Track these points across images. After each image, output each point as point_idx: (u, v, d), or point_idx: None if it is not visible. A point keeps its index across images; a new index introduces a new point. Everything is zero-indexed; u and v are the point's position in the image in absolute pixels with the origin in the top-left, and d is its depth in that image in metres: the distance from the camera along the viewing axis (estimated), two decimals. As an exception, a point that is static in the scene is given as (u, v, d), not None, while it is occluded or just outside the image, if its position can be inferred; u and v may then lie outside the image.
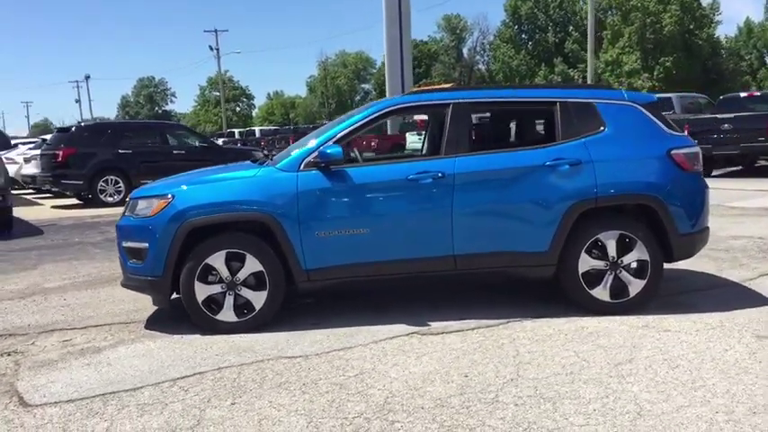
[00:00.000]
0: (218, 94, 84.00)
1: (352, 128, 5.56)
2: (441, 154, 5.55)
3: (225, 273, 5.33)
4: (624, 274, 5.49)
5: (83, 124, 20.29)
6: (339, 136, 5.50)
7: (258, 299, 5.36)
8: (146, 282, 5.46)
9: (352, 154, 6.18)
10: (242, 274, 5.34)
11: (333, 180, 5.37)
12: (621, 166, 5.48)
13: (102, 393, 4.21)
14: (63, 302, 6.61)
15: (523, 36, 77.35)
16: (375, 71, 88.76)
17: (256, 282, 5.36)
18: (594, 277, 5.50)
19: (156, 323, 5.71)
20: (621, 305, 5.49)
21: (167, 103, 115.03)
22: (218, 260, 5.32)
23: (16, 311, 6.36)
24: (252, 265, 5.33)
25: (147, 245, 5.41)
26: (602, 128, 5.58)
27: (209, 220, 5.32)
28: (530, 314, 5.53)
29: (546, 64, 71.60)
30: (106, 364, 4.78)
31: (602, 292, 5.48)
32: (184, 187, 5.50)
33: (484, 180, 5.44)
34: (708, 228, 5.81)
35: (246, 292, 5.36)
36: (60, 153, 16.54)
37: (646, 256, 5.48)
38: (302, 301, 6.08)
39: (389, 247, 5.41)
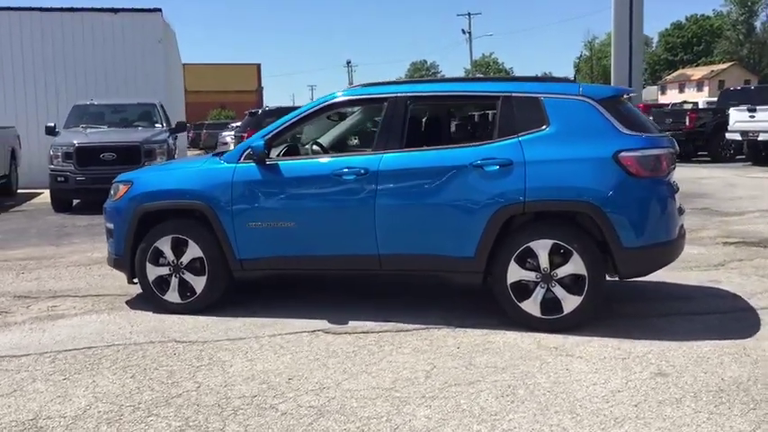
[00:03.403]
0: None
1: (286, 125, 5.61)
2: (372, 150, 5.42)
3: (171, 256, 5.71)
4: (558, 289, 4.97)
5: (267, 108, 21.96)
6: (273, 132, 5.58)
7: (198, 283, 5.67)
8: (112, 260, 6.02)
9: (314, 147, 6.20)
10: (185, 259, 5.68)
11: (265, 173, 5.48)
12: (556, 168, 4.94)
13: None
14: (88, 273, 7.43)
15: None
16: (650, 49, 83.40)
17: (198, 267, 5.67)
18: (525, 289, 5.05)
19: (140, 299, 6.22)
20: (552, 322, 4.98)
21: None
22: (165, 244, 5.70)
23: (48, 277, 7.29)
24: (193, 251, 5.65)
25: (113, 226, 5.96)
26: (544, 126, 5.06)
27: (156, 206, 5.73)
28: (457, 323, 5.23)
29: None
30: (41, 330, 5.39)
31: (531, 306, 5.02)
32: (143, 175, 5.95)
33: (407, 179, 5.22)
34: (673, 241, 5.03)
35: (189, 276, 5.69)
36: (244, 136, 18.08)
37: (582, 270, 4.91)
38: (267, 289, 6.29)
39: (316, 243, 5.42)
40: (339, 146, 6.44)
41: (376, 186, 5.22)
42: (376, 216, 5.22)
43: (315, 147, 6.19)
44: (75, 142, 12.67)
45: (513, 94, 5.18)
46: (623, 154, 4.86)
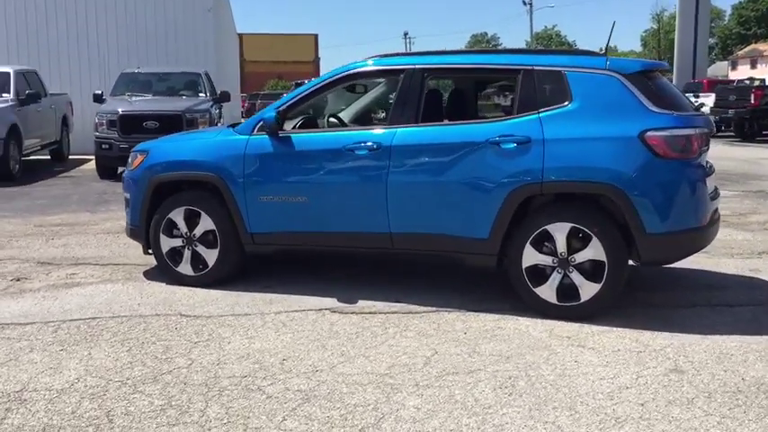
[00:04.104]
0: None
1: (299, 96, 5.44)
2: (387, 124, 5.21)
3: (184, 228, 5.63)
4: (575, 275, 4.70)
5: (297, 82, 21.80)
6: (287, 104, 5.41)
7: (211, 256, 5.58)
8: (129, 229, 5.98)
9: (332, 120, 6.01)
10: (198, 231, 5.60)
11: (277, 146, 5.34)
12: (577, 147, 4.65)
13: (3, 323, 4.80)
14: (114, 241, 7.43)
15: None
16: (723, 23, 79.79)
17: (210, 240, 5.58)
18: (541, 274, 4.80)
19: (156, 269, 6.18)
20: (569, 309, 4.73)
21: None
22: (178, 216, 5.63)
23: (75, 244, 7.33)
24: (205, 223, 5.56)
25: (129, 195, 5.91)
26: (566, 101, 4.76)
27: (170, 177, 5.65)
28: (470, 306, 5.02)
29: None
30: (53, 298, 5.39)
31: (547, 292, 4.77)
32: (159, 145, 5.87)
33: (421, 155, 5.00)
34: (702, 228, 4.70)
35: (201, 249, 5.61)
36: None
37: (602, 256, 4.63)
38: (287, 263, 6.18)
39: (327, 219, 5.27)
40: (358, 119, 6.24)
41: (389, 162, 5.02)
42: (388, 193, 5.03)
43: (332, 119, 6.01)
44: (119, 110, 12.78)
45: (535, 68, 4.89)
46: (650, 133, 4.53)
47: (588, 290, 4.68)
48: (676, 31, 32.12)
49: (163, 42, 18.27)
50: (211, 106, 13.55)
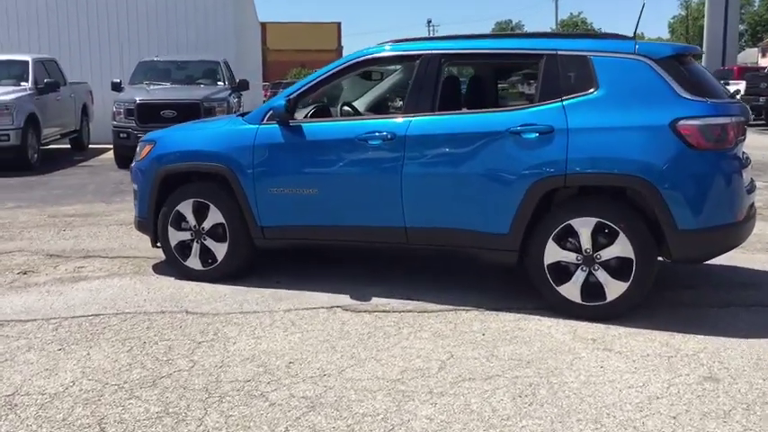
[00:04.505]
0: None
1: (310, 84, 5.19)
2: (402, 113, 4.95)
3: (192, 221, 5.43)
4: (600, 273, 4.43)
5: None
6: (298, 92, 5.17)
7: (220, 250, 5.38)
8: (137, 222, 5.79)
9: (345, 109, 5.76)
10: (207, 224, 5.39)
11: (287, 135, 5.11)
12: (603, 137, 4.36)
13: (3, 320, 4.63)
14: (126, 233, 7.26)
15: None
16: (752, 9, 78.00)
17: (219, 233, 5.37)
18: (564, 272, 4.53)
19: (166, 263, 5.98)
20: (593, 309, 4.46)
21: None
22: (186, 208, 5.42)
23: (86, 235, 7.17)
24: (214, 216, 5.36)
25: (137, 186, 5.72)
26: (592, 88, 4.47)
27: (178, 167, 5.45)
28: (488, 305, 4.76)
29: None
30: (57, 293, 5.22)
31: (571, 291, 4.50)
32: (166, 135, 5.66)
33: (437, 145, 4.74)
34: (737, 224, 4.40)
35: (210, 243, 5.40)
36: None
37: (629, 253, 4.34)
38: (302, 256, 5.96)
39: (339, 212, 5.03)
40: (373, 108, 5.98)
41: (403, 153, 4.77)
42: (403, 185, 4.78)
43: (346, 108, 5.76)
44: (136, 99, 12.64)
45: (559, 52, 4.60)
46: (682, 122, 4.23)
47: (614, 289, 4.40)
48: (706, 17, 31.36)
49: (183, 30, 18.10)
50: (230, 95, 13.36)
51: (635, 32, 4.79)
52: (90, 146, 15.94)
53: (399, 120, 4.86)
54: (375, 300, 4.92)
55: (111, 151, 13.65)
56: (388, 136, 4.79)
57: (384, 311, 4.70)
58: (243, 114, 5.64)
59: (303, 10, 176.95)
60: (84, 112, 15.80)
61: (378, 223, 4.94)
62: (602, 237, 4.40)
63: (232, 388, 3.56)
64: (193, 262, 5.45)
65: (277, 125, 5.12)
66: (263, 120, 5.21)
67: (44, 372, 3.78)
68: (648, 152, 4.26)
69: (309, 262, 5.91)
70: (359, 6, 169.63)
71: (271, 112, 5.13)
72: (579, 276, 4.47)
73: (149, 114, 12.38)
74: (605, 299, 4.43)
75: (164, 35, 18.04)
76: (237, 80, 14.45)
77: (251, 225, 5.25)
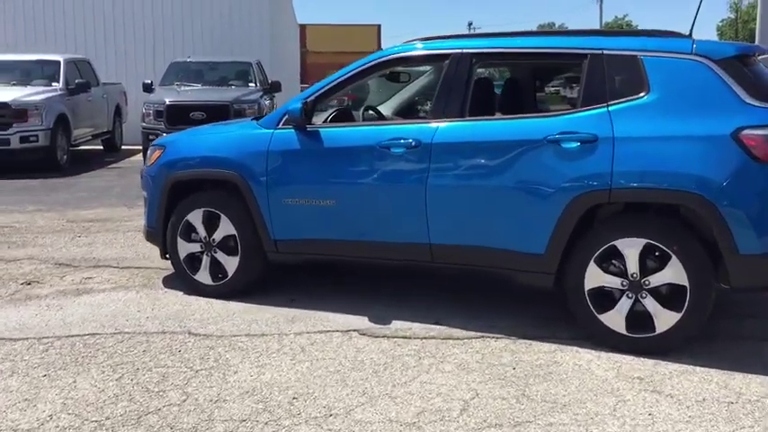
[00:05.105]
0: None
1: (330, 86, 4.76)
2: (428, 118, 4.50)
3: (202, 232, 5.05)
4: (649, 301, 3.91)
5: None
6: (316, 94, 4.75)
7: (231, 264, 4.99)
8: (146, 232, 5.43)
9: (370, 113, 5.32)
10: (217, 236, 5.00)
11: (303, 141, 4.69)
12: (655, 147, 3.85)
13: (-7, 338, 4.29)
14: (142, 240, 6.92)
15: None
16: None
17: (231, 246, 4.98)
18: (607, 298, 4.02)
19: (176, 276, 5.61)
20: (640, 342, 3.94)
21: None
22: (197, 218, 5.05)
23: (101, 242, 6.84)
24: (226, 227, 4.96)
25: (146, 194, 5.36)
26: (642, 92, 3.96)
27: (187, 174, 5.07)
28: (521, 333, 4.28)
29: None
30: (57, 307, 4.87)
31: (614, 320, 3.99)
32: (177, 139, 5.29)
33: (467, 154, 4.28)
34: (809, 250, 3.84)
35: (221, 256, 5.01)
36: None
37: (683, 280, 3.82)
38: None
39: (358, 226, 4.60)
40: (399, 113, 5.54)
41: (429, 162, 4.31)
42: (428, 198, 4.32)
43: (369, 113, 5.32)
44: (166, 100, 12.39)
45: (605, 52, 4.10)
46: (747, 132, 3.70)
47: (665, 319, 3.88)
48: (758, 20, 30.23)
49: (219, 31, 17.88)
50: (261, 96, 13.05)
51: (691, 31, 4.27)
52: (123, 147, 15.78)
53: (425, 126, 4.41)
54: (395, 323, 4.47)
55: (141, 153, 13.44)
56: (413, 143, 4.34)
57: (404, 337, 4.24)
58: (258, 118, 5.24)
59: (343, 13, 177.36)
60: (118, 113, 15.64)
61: (400, 239, 4.49)
62: (652, 260, 3.89)
63: (225, 429, 3.14)
64: (203, 276, 5.07)
65: (293, 130, 4.71)
66: (278, 124, 4.81)
67: (22, 402, 3.41)
68: (707, 165, 3.74)
69: (328, 277, 5.49)
70: (399, 9, 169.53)
71: (286, 116, 4.72)
72: (624, 304, 3.96)
73: (178, 116, 12.11)
74: (654, 330, 3.91)
75: (198, 36, 17.86)
76: (270, 81, 14.15)
77: (264, 238, 4.84)
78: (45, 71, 13.37)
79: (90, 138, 14.15)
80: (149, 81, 13.61)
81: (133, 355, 3.99)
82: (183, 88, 13.27)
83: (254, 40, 17.74)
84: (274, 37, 19.07)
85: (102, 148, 15.29)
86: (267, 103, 13.27)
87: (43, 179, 11.11)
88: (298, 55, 30.53)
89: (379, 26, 66.96)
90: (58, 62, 13.27)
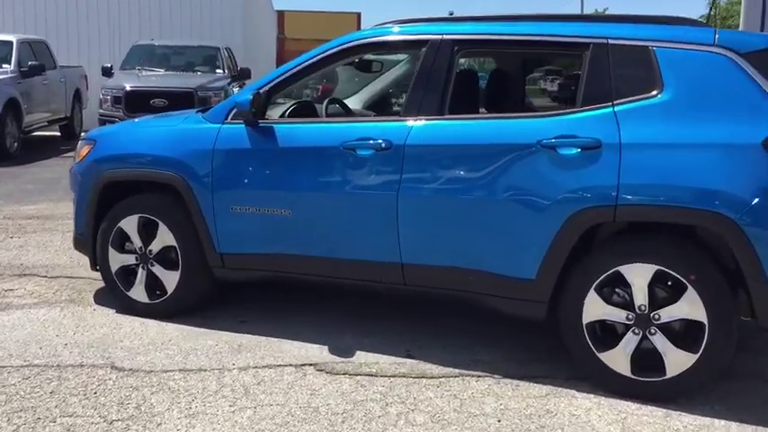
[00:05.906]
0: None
1: (286, 75, 4.07)
2: (399, 115, 3.83)
3: (138, 242, 4.34)
4: (658, 338, 3.29)
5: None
6: (270, 84, 4.06)
7: (170, 280, 4.29)
8: (74, 238, 4.72)
9: (331, 106, 4.64)
10: (155, 247, 4.31)
11: (255, 139, 4.00)
12: (669, 156, 3.22)
13: None
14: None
15: None
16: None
17: (171, 259, 4.29)
18: (609, 333, 3.39)
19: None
20: (649, 387, 3.32)
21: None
22: (130, 225, 4.34)
23: (34, 245, 6.11)
24: (164, 237, 4.27)
25: (74, 195, 4.65)
26: (654, 90, 3.33)
27: (119, 174, 4.37)
28: (507, 369, 3.64)
29: None
30: (-38, 330, 4.15)
31: (618, 360, 3.36)
32: (108, 132, 4.58)
33: (445, 159, 3.62)
34: None
35: (159, 270, 4.32)
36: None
37: (701, 315, 3.20)
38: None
39: (318, 240, 3.93)
40: (369, 109, 4.86)
41: (401, 167, 3.65)
42: (399, 210, 3.66)
43: (335, 106, 4.64)
44: (125, 86, 11.60)
45: (610, 42, 3.45)
46: (780, 140, 3.09)
47: (678, 361, 3.26)
48: (741, 17, 29.93)
49: (188, 13, 17.04)
50: (228, 84, 12.30)
51: (708, 16, 3.64)
52: (83, 134, 14.91)
53: (398, 124, 3.73)
54: (360, 355, 3.81)
55: (100, 141, 12.63)
56: (383, 145, 3.67)
57: (369, 374, 3.58)
58: (203, 110, 4.55)
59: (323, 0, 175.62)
60: (77, 97, 14.77)
61: (366, 257, 3.82)
62: (663, 290, 3.27)
63: None
64: (138, 292, 4.37)
65: (244, 126, 4.02)
66: (226, 118, 4.11)
67: None
68: (731, 179, 3.12)
69: (285, 295, 4.80)
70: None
71: (235, 109, 4.03)
72: (630, 341, 3.33)
73: (138, 103, 11.34)
74: (664, 373, 3.29)
75: (166, 18, 17.05)
76: (240, 68, 13.39)
77: (208, 251, 4.16)
78: (-4, 52, 12.49)
79: (46, 124, 13.29)
80: (109, 65, 12.79)
81: (38, 399, 3.28)
82: (144, 73, 12.48)
83: (225, 25, 16.94)
84: (248, 21, 18.28)
85: (59, 134, 14.42)
86: (235, 90, 12.51)
87: (-11, 168, 10.30)
88: (274, 41, 29.67)
89: (359, 14, 65.99)
90: (11, 42, 12.38)
